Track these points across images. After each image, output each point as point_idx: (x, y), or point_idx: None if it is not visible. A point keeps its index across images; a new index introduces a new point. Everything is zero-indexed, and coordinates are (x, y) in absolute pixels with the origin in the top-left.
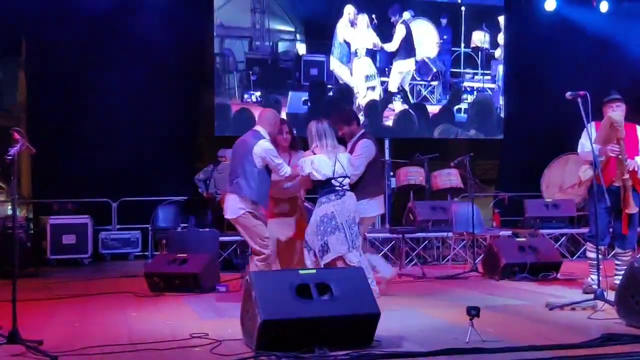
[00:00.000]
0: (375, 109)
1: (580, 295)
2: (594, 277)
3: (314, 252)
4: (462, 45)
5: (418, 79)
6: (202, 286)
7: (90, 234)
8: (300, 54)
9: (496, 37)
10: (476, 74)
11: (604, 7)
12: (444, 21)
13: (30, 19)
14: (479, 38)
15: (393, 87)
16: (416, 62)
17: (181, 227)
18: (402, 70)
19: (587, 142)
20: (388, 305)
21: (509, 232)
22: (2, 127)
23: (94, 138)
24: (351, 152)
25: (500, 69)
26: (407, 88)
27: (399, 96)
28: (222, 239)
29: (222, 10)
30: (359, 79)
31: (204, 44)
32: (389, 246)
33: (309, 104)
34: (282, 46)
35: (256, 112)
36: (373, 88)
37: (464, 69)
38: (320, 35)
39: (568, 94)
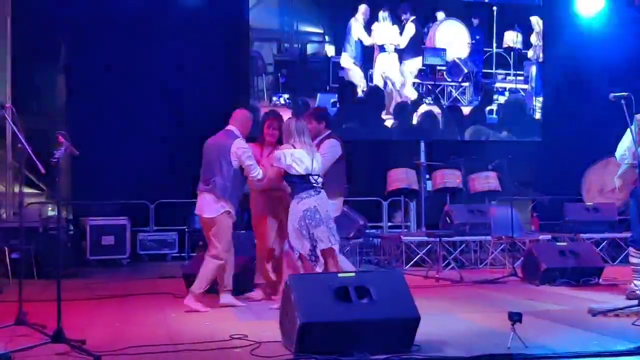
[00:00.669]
0: (405, 109)
1: (623, 301)
2: (637, 282)
3: (304, 255)
4: (494, 45)
5: (448, 79)
6: (239, 288)
7: (129, 235)
8: (329, 55)
9: (529, 37)
10: (508, 74)
11: None
12: (475, 21)
13: (68, 22)
14: (511, 38)
15: (409, 87)
16: (447, 62)
17: None
18: (412, 70)
19: (624, 144)
20: (425, 309)
21: (549, 236)
22: (41, 130)
23: (131, 141)
24: None
25: (534, 69)
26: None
27: (429, 98)
28: None
29: (251, 13)
30: (393, 75)
31: (239, 46)
32: (425, 250)
33: (337, 105)
34: (310, 48)
35: (285, 115)
36: (403, 86)
37: (495, 69)
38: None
39: (611, 96)
